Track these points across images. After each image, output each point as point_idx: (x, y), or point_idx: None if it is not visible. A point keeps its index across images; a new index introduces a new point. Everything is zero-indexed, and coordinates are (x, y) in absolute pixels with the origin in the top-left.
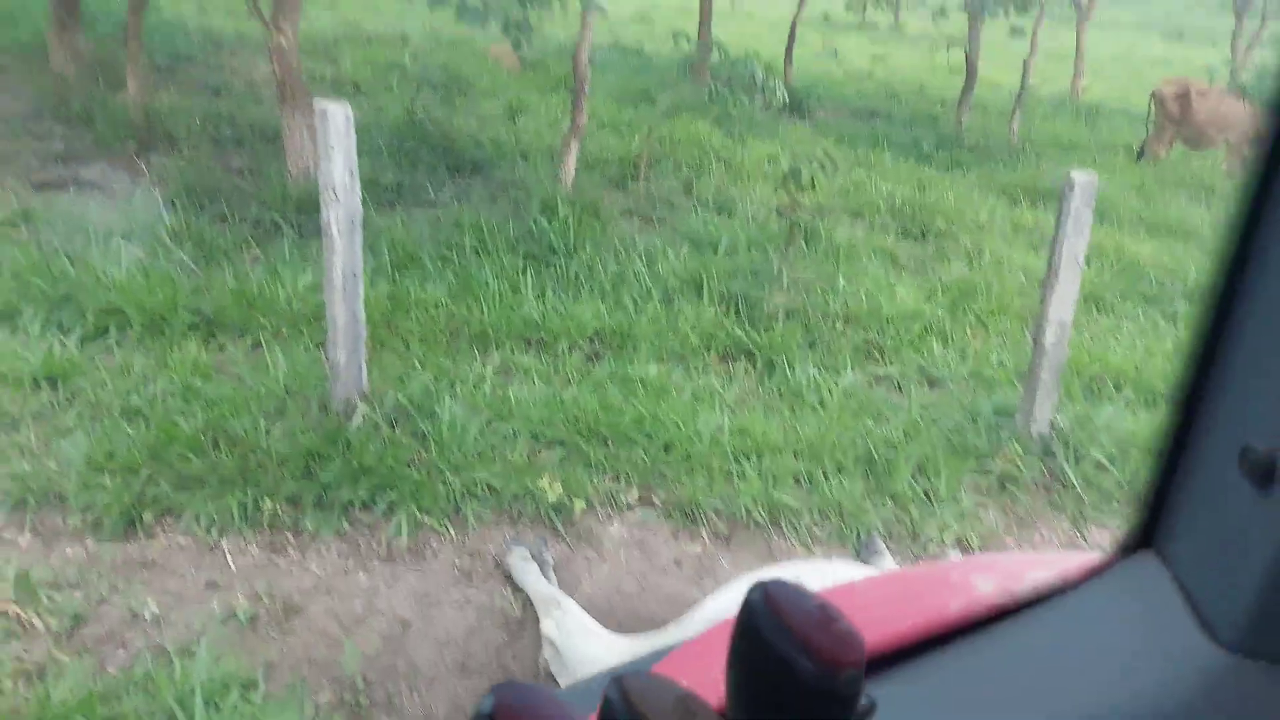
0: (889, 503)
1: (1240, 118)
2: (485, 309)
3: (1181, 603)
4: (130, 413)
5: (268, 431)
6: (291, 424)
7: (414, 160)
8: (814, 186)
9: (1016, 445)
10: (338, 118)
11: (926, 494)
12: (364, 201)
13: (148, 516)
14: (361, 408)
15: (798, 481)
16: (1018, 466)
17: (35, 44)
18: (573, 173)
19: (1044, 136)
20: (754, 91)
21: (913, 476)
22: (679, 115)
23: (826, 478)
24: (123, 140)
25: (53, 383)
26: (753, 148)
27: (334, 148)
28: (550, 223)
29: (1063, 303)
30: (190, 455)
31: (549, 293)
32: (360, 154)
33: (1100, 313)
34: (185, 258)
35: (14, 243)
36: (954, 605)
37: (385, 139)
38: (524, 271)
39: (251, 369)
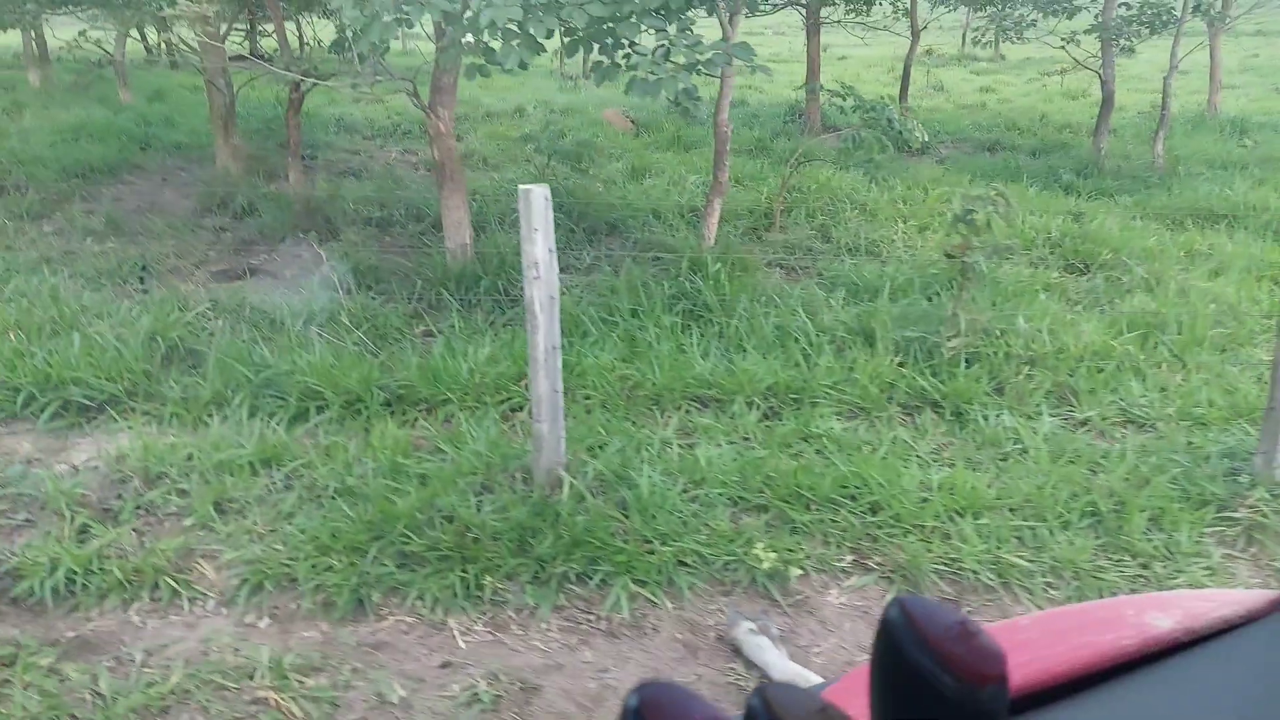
0: (1127, 559)
1: None
2: (655, 370)
3: None
4: (346, 493)
5: (478, 507)
6: (499, 498)
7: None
8: (989, 227)
9: (1261, 490)
10: (539, 199)
11: (1167, 548)
12: (516, 270)
13: (375, 596)
14: (566, 478)
15: (1020, 539)
16: (1264, 514)
17: (194, 144)
18: (715, 229)
19: (1192, 155)
20: (891, 134)
21: (1147, 529)
22: (807, 163)
23: (1052, 534)
24: (288, 229)
25: (268, 466)
26: (890, 189)
27: (536, 229)
28: (703, 280)
29: None
30: (409, 534)
31: (714, 350)
32: (499, 224)
33: None
34: (363, 337)
35: (212, 332)
36: (1130, 641)
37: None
38: (684, 330)
39: (450, 444)
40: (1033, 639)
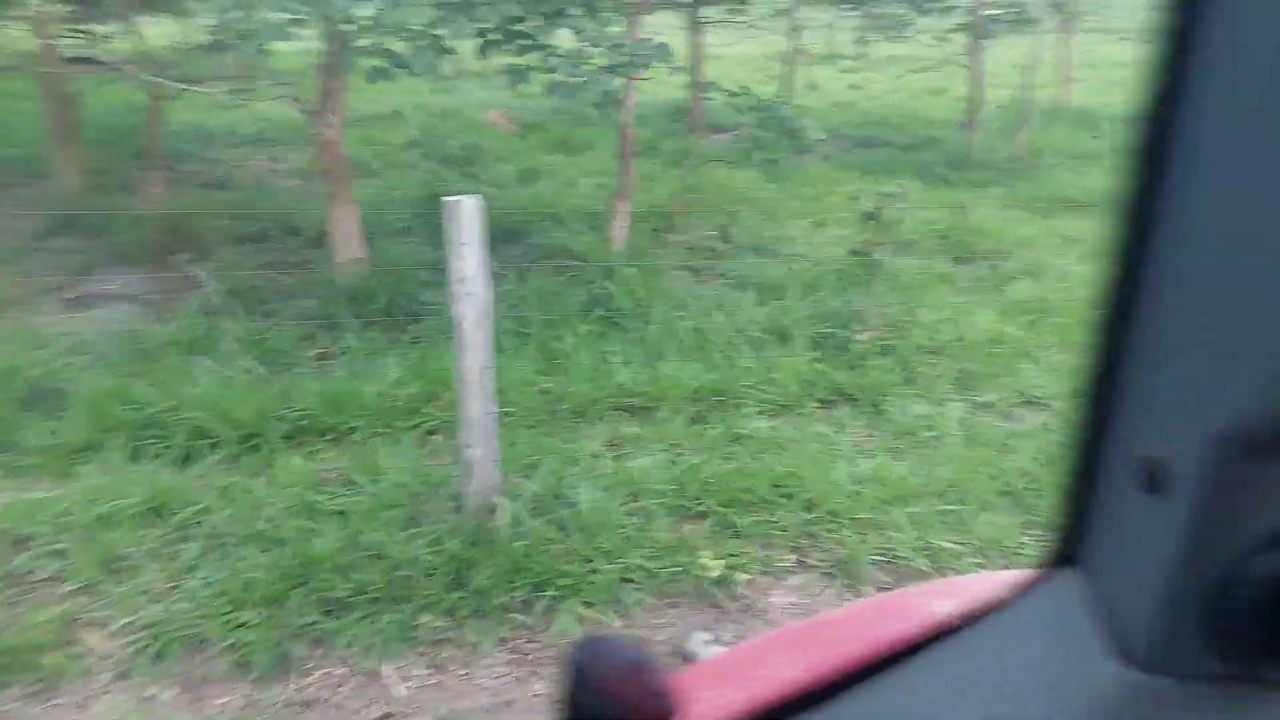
0: (1048, 533)
1: None
2: (576, 381)
3: (1095, 620)
4: (256, 538)
5: (408, 542)
6: (430, 530)
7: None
8: (898, 223)
9: None
10: (469, 210)
11: None
12: (413, 284)
13: (299, 650)
14: (503, 503)
15: (947, 524)
16: None
17: (28, 158)
18: (623, 233)
19: (1050, 147)
20: (787, 133)
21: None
22: (704, 163)
23: (976, 516)
24: (152, 248)
25: (159, 515)
26: (784, 188)
27: (466, 242)
28: (614, 285)
29: None
30: (332, 577)
31: (634, 356)
32: (391, 235)
33: None
34: (253, 364)
35: (76, 370)
36: (912, 629)
37: (413, 218)
38: (601, 337)
39: (365, 475)
40: (837, 634)
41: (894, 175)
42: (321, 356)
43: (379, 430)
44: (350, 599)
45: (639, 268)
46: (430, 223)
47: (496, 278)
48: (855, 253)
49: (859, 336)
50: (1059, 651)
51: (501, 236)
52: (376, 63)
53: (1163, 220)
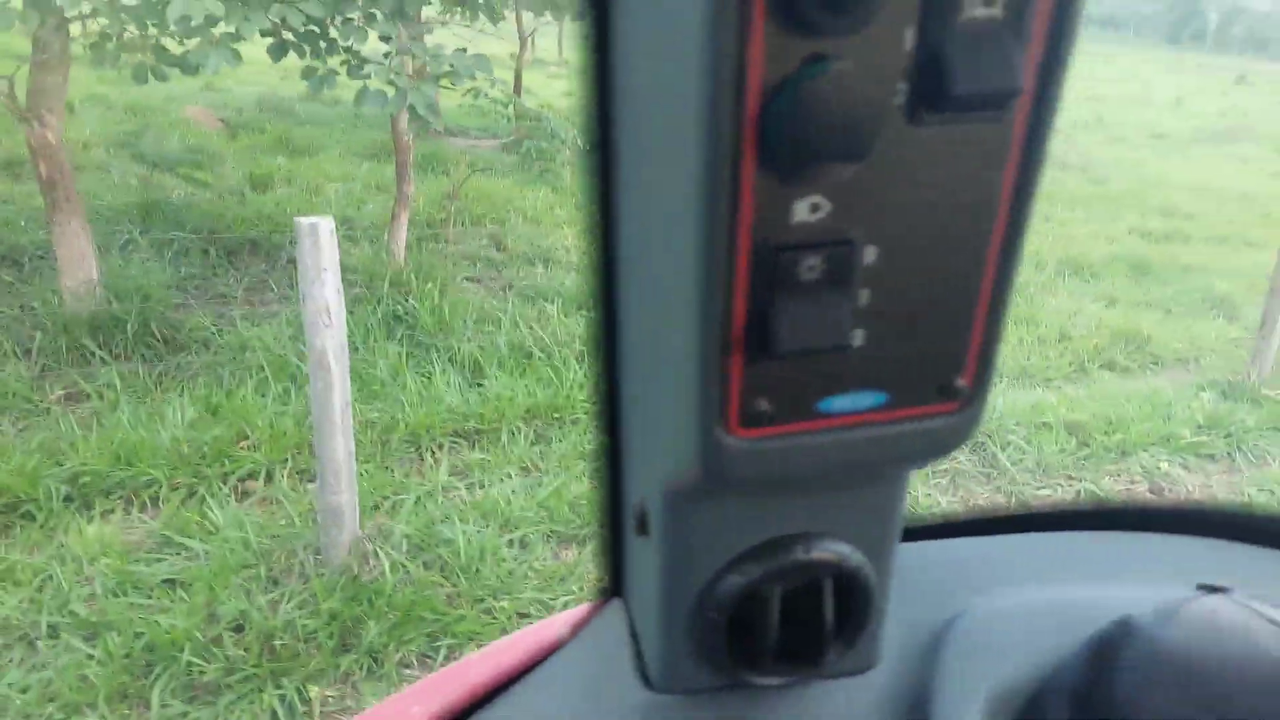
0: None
1: None
2: (401, 409)
3: (631, 650)
4: (72, 626)
5: (274, 605)
6: (296, 589)
7: (181, 250)
8: None
9: None
10: (325, 233)
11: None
12: (165, 307)
13: None
14: (378, 550)
15: None
16: (959, 461)
17: None
18: (404, 245)
19: None
20: (554, 140)
21: None
22: (474, 171)
23: None
24: None
25: None
26: (544, 194)
27: (325, 268)
28: (408, 301)
29: None
30: (191, 658)
31: (455, 378)
32: (116, 252)
33: None
34: None
35: None
36: (491, 679)
37: (134, 229)
38: (412, 359)
39: (190, 535)
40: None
41: None
42: (69, 398)
43: (183, 481)
44: (222, 680)
45: (436, 281)
46: (156, 237)
47: (253, 297)
48: None
49: None
50: (600, 682)
51: (248, 249)
52: (143, 59)
53: (621, 272)
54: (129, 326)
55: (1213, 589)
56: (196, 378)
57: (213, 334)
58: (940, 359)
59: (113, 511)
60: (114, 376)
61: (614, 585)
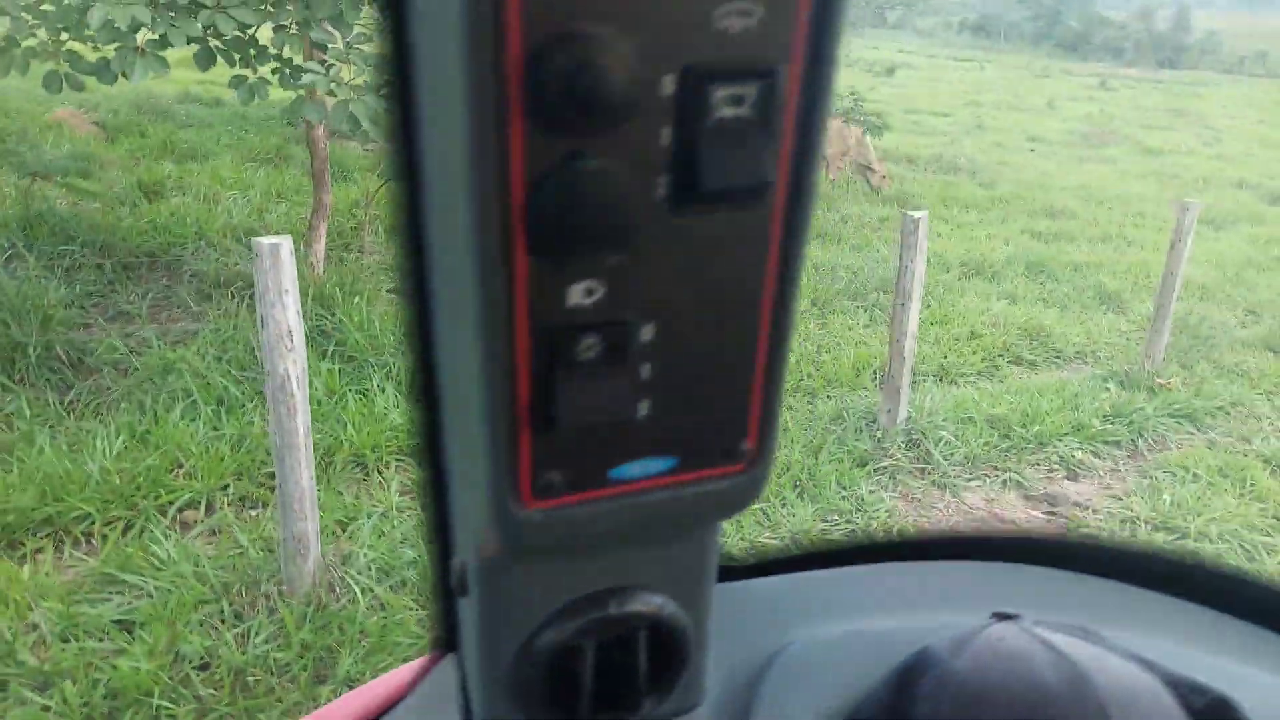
0: (835, 516)
1: None
2: (340, 429)
3: (460, 703)
4: (27, 675)
5: (242, 640)
6: (263, 622)
7: (73, 266)
8: None
9: (891, 440)
10: (285, 255)
11: (855, 502)
12: (67, 328)
13: None
14: (342, 576)
15: (757, 520)
16: (899, 460)
17: None
18: (323, 256)
19: None
20: None
21: (838, 490)
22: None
23: (782, 507)
24: None
25: None
26: None
27: (286, 289)
28: (334, 316)
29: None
30: (162, 701)
31: (392, 395)
32: None
33: None
34: None
35: None
36: None
37: (19, 243)
38: (344, 375)
39: (136, 572)
40: None
41: None
42: None
43: (119, 515)
44: None
45: (363, 295)
46: (45, 250)
47: (159, 313)
48: None
49: None
50: None
51: (146, 263)
52: (55, 67)
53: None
54: (30, 350)
55: (1005, 616)
56: (118, 404)
57: (124, 356)
58: (724, 424)
59: (43, 551)
60: (22, 404)
61: (448, 639)
